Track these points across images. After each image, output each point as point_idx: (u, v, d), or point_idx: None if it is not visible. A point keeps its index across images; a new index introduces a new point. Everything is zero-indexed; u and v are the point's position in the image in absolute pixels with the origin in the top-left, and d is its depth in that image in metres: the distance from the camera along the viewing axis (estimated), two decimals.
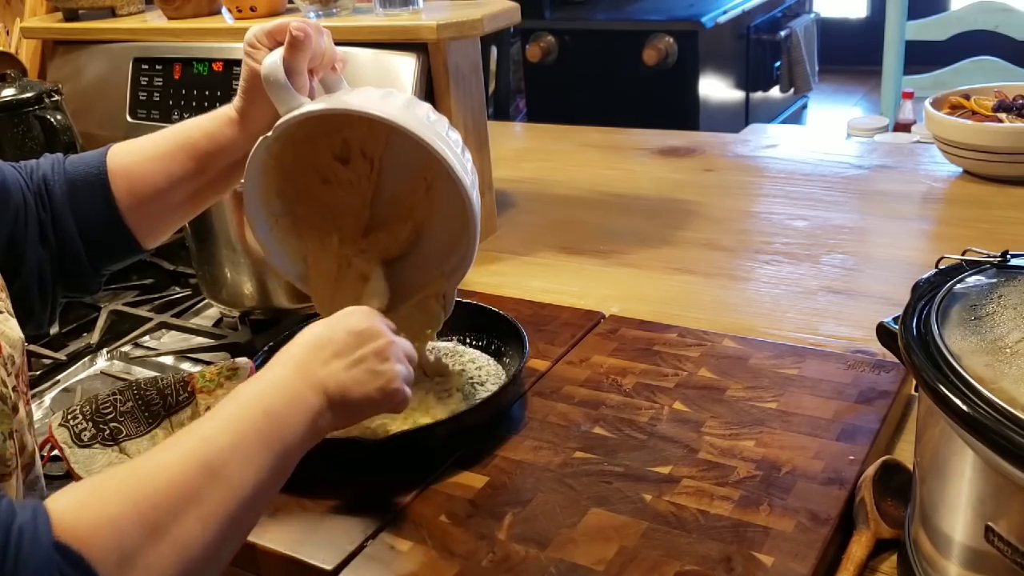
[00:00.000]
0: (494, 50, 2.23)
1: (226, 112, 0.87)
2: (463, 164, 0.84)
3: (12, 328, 0.71)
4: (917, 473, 0.67)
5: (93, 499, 0.54)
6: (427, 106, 0.85)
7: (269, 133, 0.82)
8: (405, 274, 0.95)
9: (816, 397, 0.89)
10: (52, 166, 0.85)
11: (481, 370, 1.00)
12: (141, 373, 1.13)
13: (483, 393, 0.95)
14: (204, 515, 0.56)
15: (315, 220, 0.94)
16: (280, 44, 0.83)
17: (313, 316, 0.96)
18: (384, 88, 0.85)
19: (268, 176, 0.89)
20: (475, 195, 0.84)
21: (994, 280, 0.65)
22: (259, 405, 0.64)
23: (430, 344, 1.03)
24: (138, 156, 0.86)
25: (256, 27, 0.85)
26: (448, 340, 1.06)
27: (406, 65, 1.23)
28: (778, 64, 3.25)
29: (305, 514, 0.80)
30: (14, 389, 0.68)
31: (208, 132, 0.86)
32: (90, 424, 0.87)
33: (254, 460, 0.61)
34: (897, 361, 0.69)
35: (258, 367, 0.93)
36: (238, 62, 0.89)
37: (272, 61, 0.81)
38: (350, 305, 0.79)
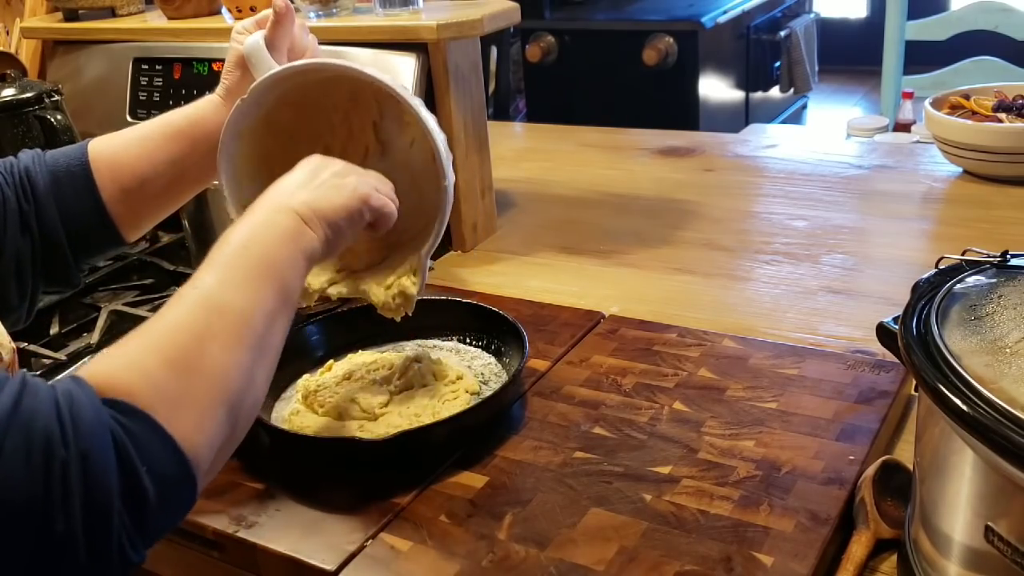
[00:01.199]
0: (494, 50, 2.23)
1: (210, 98, 0.88)
2: (433, 119, 0.86)
3: None
4: (917, 473, 0.67)
5: (119, 359, 0.56)
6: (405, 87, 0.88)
7: (245, 95, 0.83)
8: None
9: (816, 397, 0.89)
10: (33, 159, 0.85)
11: (482, 370, 1.00)
12: None
13: (483, 393, 0.95)
14: (223, 344, 0.59)
15: None
16: None
17: (313, 316, 0.96)
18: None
19: (248, 162, 0.89)
20: (448, 157, 0.86)
21: (994, 280, 0.65)
22: (236, 241, 0.66)
23: (436, 348, 1.03)
24: (119, 143, 0.87)
25: (246, 19, 0.89)
26: (448, 340, 1.06)
27: (406, 65, 1.23)
28: (778, 64, 3.25)
29: (305, 514, 0.80)
30: None
31: (189, 116, 0.87)
32: None
33: (247, 286, 0.63)
34: (897, 361, 0.70)
35: None
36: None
37: (254, 38, 0.85)
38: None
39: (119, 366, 0.56)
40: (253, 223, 0.68)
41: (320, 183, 0.73)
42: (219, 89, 0.89)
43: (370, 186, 0.76)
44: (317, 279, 0.92)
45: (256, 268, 0.65)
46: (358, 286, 0.92)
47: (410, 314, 0.91)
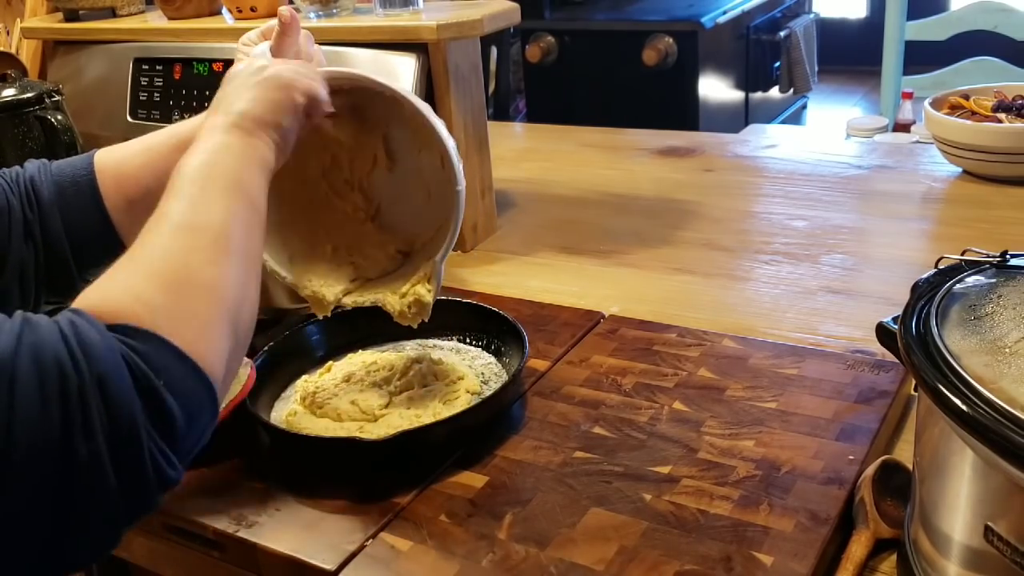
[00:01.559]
0: (494, 50, 2.23)
1: None
2: (442, 124, 0.86)
3: None
4: (916, 473, 0.67)
5: (111, 288, 0.57)
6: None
7: None
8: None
9: (816, 397, 0.89)
10: (39, 169, 0.85)
11: (482, 370, 1.00)
12: None
13: (484, 393, 0.95)
14: (208, 258, 0.61)
15: (302, 228, 0.94)
16: None
17: (313, 316, 0.96)
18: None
19: None
20: (459, 162, 0.87)
21: (993, 280, 0.65)
22: (191, 166, 0.67)
23: (437, 348, 1.03)
24: (125, 154, 0.87)
25: (251, 31, 0.89)
26: (448, 340, 1.06)
27: (406, 65, 1.23)
28: (778, 64, 3.25)
29: (305, 514, 0.80)
30: None
31: (196, 127, 0.86)
32: None
33: (215, 202, 0.65)
34: (896, 361, 0.70)
35: (258, 367, 0.94)
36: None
37: (260, 49, 0.85)
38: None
39: (113, 293, 0.56)
40: (202, 149, 0.70)
41: (246, 88, 0.75)
42: None
43: (292, 72, 0.77)
44: (332, 290, 0.92)
45: (219, 185, 0.66)
46: (373, 295, 0.92)
47: (427, 321, 0.92)
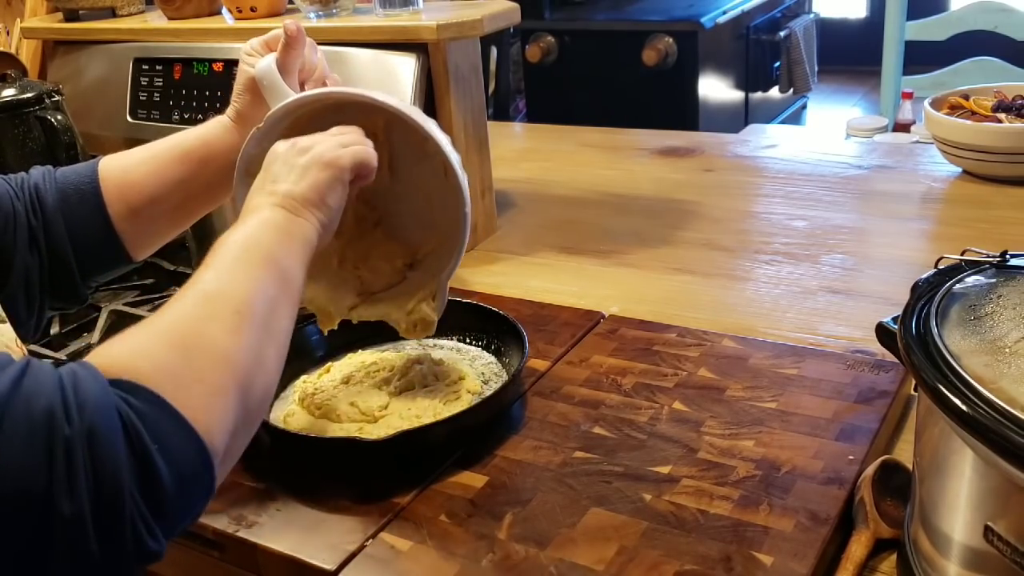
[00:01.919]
0: (494, 50, 2.23)
1: (219, 120, 0.88)
2: (454, 149, 0.86)
3: (3, 333, 0.71)
4: (916, 473, 0.67)
5: (122, 344, 0.56)
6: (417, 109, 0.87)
7: (261, 123, 0.83)
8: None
9: (815, 397, 0.89)
10: (43, 176, 0.85)
11: (482, 369, 1.00)
12: None
13: (484, 392, 0.95)
14: (225, 326, 0.59)
15: None
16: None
17: (313, 317, 0.96)
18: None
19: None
20: (464, 180, 0.86)
21: (993, 280, 0.65)
22: (230, 243, 0.67)
23: (437, 348, 1.03)
24: (129, 162, 0.86)
25: (254, 39, 0.88)
26: (448, 339, 1.06)
27: (406, 65, 1.23)
28: (777, 64, 3.26)
29: (305, 514, 0.80)
30: None
31: (201, 137, 0.87)
32: None
33: (244, 275, 0.64)
34: (896, 361, 0.70)
35: None
36: (238, 63, 0.90)
37: (266, 62, 0.85)
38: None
39: (123, 349, 0.55)
40: (243, 225, 0.69)
41: (291, 168, 0.73)
42: (229, 111, 0.89)
43: (336, 147, 0.76)
44: (338, 305, 0.93)
45: (252, 260, 0.65)
46: (380, 311, 0.93)
47: (431, 335, 0.93)
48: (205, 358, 0.56)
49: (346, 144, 0.77)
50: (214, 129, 0.88)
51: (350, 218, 0.95)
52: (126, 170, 0.86)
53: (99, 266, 0.88)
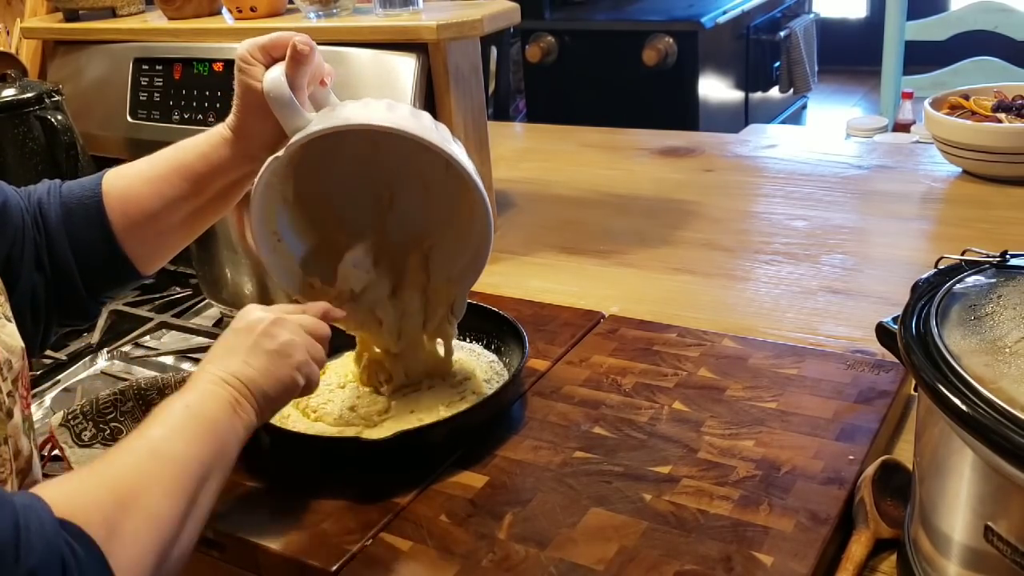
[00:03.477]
0: (494, 50, 2.23)
1: (219, 131, 0.85)
2: (474, 168, 0.85)
3: (10, 334, 0.71)
4: (916, 473, 0.67)
5: (76, 485, 0.60)
6: (427, 115, 0.85)
7: (280, 152, 0.81)
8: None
9: (816, 397, 0.89)
10: (48, 190, 0.84)
11: (487, 367, 1.00)
12: (141, 373, 1.13)
13: (485, 392, 0.95)
14: (165, 489, 0.62)
15: (322, 252, 0.94)
16: (275, 60, 0.82)
17: None
18: (382, 99, 0.84)
19: (275, 199, 0.88)
20: (487, 197, 0.86)
21: (993, 280, 0.65)
22: (179, 402, 0.69)
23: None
24: (132, 179, 0.85)
25: (248, 42, 0.83)
26: None
27: (406, 65, 1.23)
28: (778, 64, 3.25)
29: (305, 514, 0.80)
30: (9, 394, 0.68)
31: (202, 153, 0.85)
32: (91, 424, 0.87)
33: (187, 439, 0.67)
34: (896, 361, 0.70)
35: None
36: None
37: (275, 77, 0.80)
38: (360, 324, 0.88)
39: (78, 492, 0.59)
40: (195, 391, 0.71)
41: (254, 351, 0.74)
42: (229, 122, 0.85)
43: (303, 350, 0.77)
44: (373, 407, 0.93)
45: (197, 425, 0.68)
46: (410, 407, 0.92)
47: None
48: (142, 518, 0.59)
49: (313, 352, 0.78)
50: (215, 143, 0.85)
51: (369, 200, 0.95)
52: (128, 187, 0.84)
53: (106, 283, 0.86)
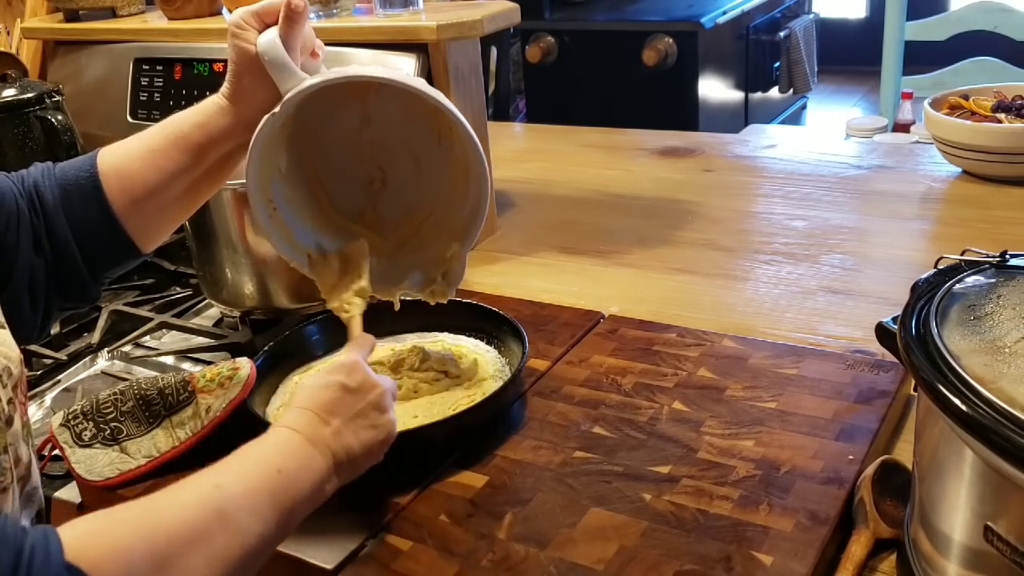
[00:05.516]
0: (494, 50, 2.23)
1: (215, 101, 0.85)
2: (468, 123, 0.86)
3: (3, 341, 0.70)
4: (916, 473, 0.67)
5: (107, 528, 0.55)
6: (423, 80, 0.87)
7: (277, 109, 0.81)
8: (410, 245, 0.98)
9: (815, 397, 0.89)
10: (43, 173, 0.83)
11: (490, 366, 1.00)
12: (142, 373, 1.13)
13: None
14: (210, 557, 0.57)
15: (319, 228, 0.94)
16: (267, 25, 0.83)
17: (313, 316, 0.96)
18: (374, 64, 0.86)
19: (270, 168, 0.88)
20: (483, 154, 0.87)
21: (993, 280, 0.65)
22: (273, 462, 0.66)
23: (447, 345, 1.03)
24: (128, 155, 0.84)
25: (241, 9, 0.83)
26: (445, 334, 1.06)
27: (406, 66, 1.23)
28: (777, 64, 3.26)
29: None
30: (9, 402, 0.67)
31: (198, 123, 0.84)
32: (91, 424, 0.87)
33: (262, 513, 0.63)
34: (896, 361, 0.70)
35: (259, 367, 0.93)
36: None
37: (269, 39, 0.81)
38: (352, 289, 0.87)
39: (102, 539, 0.54)
40: (295, 450, 0.68)
41: (360, 414, 0.74)
42: (224, 90, 0.85)
43: (394, 426, 0.77)
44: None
45: (278, 497, 0.64)
46: (413, 413, 0.92)
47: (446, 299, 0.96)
48: None
49: (391, 420, 0.77)
50: (210, 113, 0.84)
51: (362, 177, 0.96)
52: (124, 162, 0.84)
53: (107, 262, 0.86)
